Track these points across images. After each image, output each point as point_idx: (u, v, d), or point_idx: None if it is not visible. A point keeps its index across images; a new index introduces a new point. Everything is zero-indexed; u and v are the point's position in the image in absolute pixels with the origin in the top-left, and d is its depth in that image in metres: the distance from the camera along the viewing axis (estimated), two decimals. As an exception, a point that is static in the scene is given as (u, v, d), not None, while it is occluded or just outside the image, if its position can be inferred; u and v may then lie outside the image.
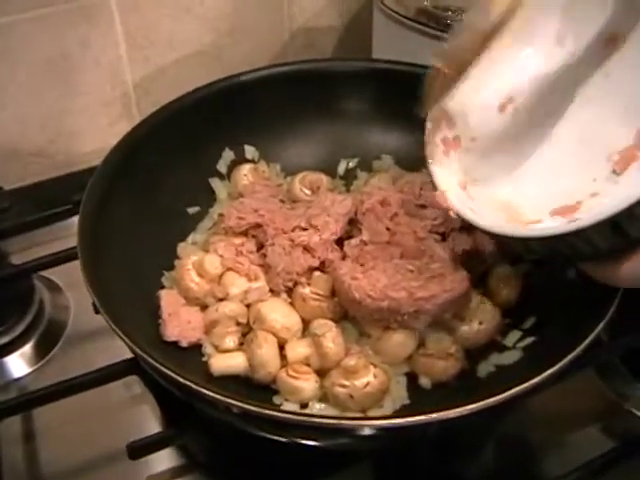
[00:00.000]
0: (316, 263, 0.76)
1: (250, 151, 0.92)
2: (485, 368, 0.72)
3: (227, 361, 0.71)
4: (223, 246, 0.78)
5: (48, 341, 0.87)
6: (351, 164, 0.93)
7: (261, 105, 0.92)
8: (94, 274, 0.68)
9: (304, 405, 0.69)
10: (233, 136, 0.91)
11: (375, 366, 0.69)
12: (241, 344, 0.73)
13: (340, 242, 0.78)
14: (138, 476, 0.74)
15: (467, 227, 0.79)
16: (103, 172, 0.79)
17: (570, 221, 0.56)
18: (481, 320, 0.73)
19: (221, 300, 0.75)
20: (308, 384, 0.68)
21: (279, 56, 1.17)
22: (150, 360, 0.62)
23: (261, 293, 0.74)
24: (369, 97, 0.95)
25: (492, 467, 0.75)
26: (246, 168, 0.89)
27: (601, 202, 0.60)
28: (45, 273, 0.92)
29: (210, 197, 0.89)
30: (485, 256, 0.77)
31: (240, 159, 0.91)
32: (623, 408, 0.80)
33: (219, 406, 0.59)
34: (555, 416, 0.79)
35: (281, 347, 0.71)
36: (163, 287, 0.78)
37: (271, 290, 0.76)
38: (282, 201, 0.85)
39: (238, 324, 0.73)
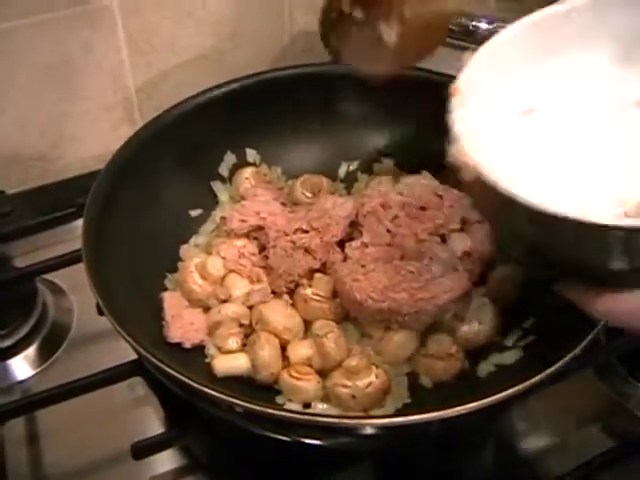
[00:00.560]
0: (317, 265, 0.77)
1: (252, 154, 0.93)
2: (485, 368, 0.72)
3: (230, 362, 0.71)
4: (225, 248, 0.78)
5: (52, 343, 0.88)
6: (352, 167, 0.94)
7: (262, 109, 0.93)
8: (98, 276, 0.69)
9: (306, 405, 0.69)
10: (235, 140, 0.92)
11: (377, 366, 0.70)
12: (244, 345, 0.73)
13: (341, 244, 0.79)
14: (141, 477, 0.75)
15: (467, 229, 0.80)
16: (107, 175, 0.79)
17: None
18: (481, 320, 0.74)
19: (224, 302, 0.76)
20: (310, 384, 0.69)
21: (280, 60, 1.17)
22: (154, 360, 0.62)
23: (263, 295, 0.75)
24: (369, 100, 0.95)
25: (493, 466, 0.76)
26: (248, 171, 0.90)
27: None
28: (48, 276, 0.92)
29: (212, 200, 0.90)
30: (485, 257, 0.78)
31: (242, 162, 0.92)
32: (622, 408, 0.80)
33: (222, 406, 0.60)
34: (555, 416, 0.79)
35: (283, 348, 0.72)
36: (166, 289, 0.79)
37: (273, 292, 0.77)
38: (284, 204, 0.85)
39: (241, 325, 0.74)
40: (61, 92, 1.02)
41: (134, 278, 0.76)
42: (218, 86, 0.91)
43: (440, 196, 0.81)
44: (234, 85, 0.91)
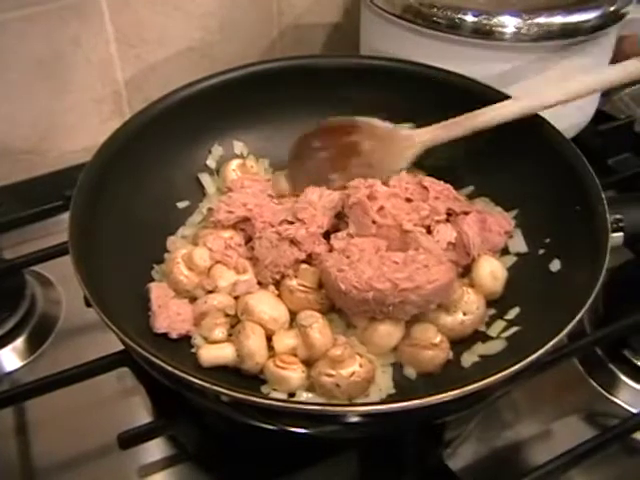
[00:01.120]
0: (303, 256, 0.77)
1: (239, 147, 0.93)
2: (469, 358, 0.73)
3: (216, 352, 0.72)
4: (212, 239, 0.78)
5: (40, 335, 0.88)
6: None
7: (250, 101, 0.93)
8: (85, 268, 0.69)
9: (291, 394, 0.70)
10: (222, 132, 0.92)
11: (361, 356, 0.70)
12: (230, 335, 0.74)
13: (327, 235, 0.79)
14: (129, 467, 0.75)
15: (452, 220, 0.81)
16: (93, 167, 0.79)
17: None
18: (465, 311, 0.75)
19: (210, 292, 0.76)
20: (295, 374, 0.69)
21: (269, 52, 1.17)
22: (140, 350, 0.63)
23: (249, 285, 0.76)
24: (358, 93, 0.95)
25: (477, 454, 0.76)
26: (235, 164, 0.90)
27: None
28: (37, 268, 0.93)
29: (199, 192, 0.90)
30: (470, 248, 0.78)
31: (229, 155, 0.92)
32: (605, 397, 0.81)
33: (208, 395, 0.60)
34: (539, 405, 0.80)
35: (269, 338, 0.72)
36: (153, 280, 0.79)
37: (259, 282, 0.77)
38: (270, 196, 0.85)
39: (227, 316, 0.74)
40: (50, 85, 1.02)
41: (121, 269, 0.76)
42: (205, 78, 0.91)
43: (425, 187, 0.81)
44: (222, 77, 0.92)
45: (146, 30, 1.05)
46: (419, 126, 0.87)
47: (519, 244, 0.82)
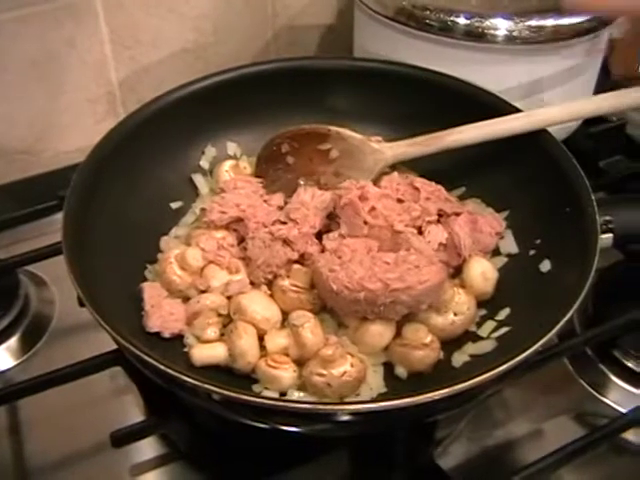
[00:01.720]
0: (295, 256, 0.77)
1: (232, 147, 0.94)
2: (460, 358, 0.74)
3: (208, 351, 0.72)
4: (205, 239, 0.79)
5: (33, 334, 0.88)
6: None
7: (244, 102, 0.93)
8: (78, 268, 0.70)
9: (283, 394, 0.70)
10: (216, 133, 0.93)
11: (352, 356, 0.70)
12: (222, 335, 0.74)
13: (319, 236, 0.80)
14: (122, 465, 0.76)
15: (443, 221, 0.81)
16: (87, 168, 0.80)
17: None
18: (456, 311, 0.75)
19: (203, 292, 0.76)
20: (287, 373, 0.70)
21: (263, 54, 1.18)
22: (133, 350, 0.63)
23: (242, 285, 0.76)
24: (351, 95, 0.96)
25: (468, 453, 0.77)
26: (228, 164, 0.90)
27: None
28: (30, 268, 0.93)
29: (193, 192, 0.90)
30: (461, 249, 0.79)
31: (222, 155, 0.93)
32: (595, 398, 0.82)
33: (200, 393, 0.61)
34: (529, 405, 0.81)
35: (261, 338, 0.73)
36: (146, 280, 0.79)
37: (251, 282, 0.77)
38: (263, 196, 0.86)
39: (219, 315, 0.74)
40: (45, 86, 1.03)
41: (114, 269, 0.76)
42: (199, 79, 0.91)
43: (417, 188, 0.82)
44: (215, 78, 0.92)
45: (140, 31, 1.06)
46: (409, 129, 0.88)
47: (510, 245, 0.82)
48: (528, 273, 0.78)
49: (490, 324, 0.76)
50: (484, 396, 0.71)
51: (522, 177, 0.85)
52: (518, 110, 0.86)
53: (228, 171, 0.90)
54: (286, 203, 0.84)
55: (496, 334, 0.74)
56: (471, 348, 0.74)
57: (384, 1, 0.96)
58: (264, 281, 0.77)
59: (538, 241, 0.80)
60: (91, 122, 1.09)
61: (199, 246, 0.78)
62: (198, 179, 0.91)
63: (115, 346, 0.70)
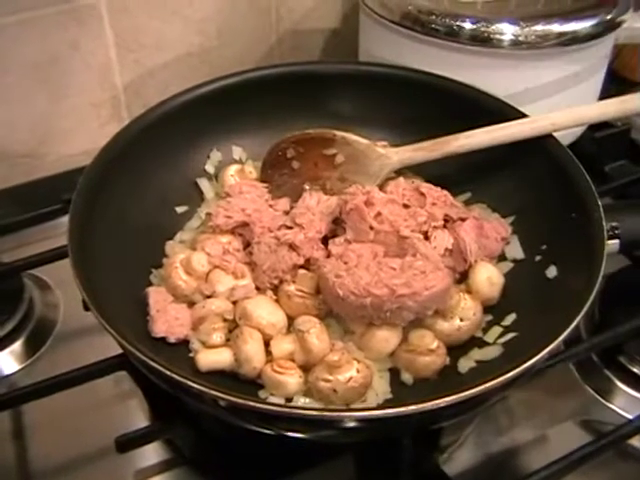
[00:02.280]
0: (301, 261, 0.77)
1: (237, 152, 0.93)
2: (466, 364, 0.73)
3: (213, 356, 0.72)
4: (210, 244, 0.79)
5: (38, 338, 0.88)
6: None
7: (249, 107, 0.93)
8: (84, 272, 0.69)
9: (289, 400, 0.70)
10: (221, 137, 0.93)
11: (358, 361, 0.70)
12: (227, 340, 0.74)
13: (325, 241, 0.80)
14: (126, 470, 0.75)
15: (449, 226, 0.81)
16: (92, 172, 0.79)
17: None
18: (462, 317, 0.75)
19: (208, 297, 0.76)
20: (292, 379, 0.69)
21: (267, 58, 1.18)
22: (138, 355, 0.63)
23: (247, 290, 0.76)
24: (356, 99, 0.96)
25: (473, 460, 0.76)
26: (233, 169, 0.90)
27: None
28: (35, 271, 0.93)
29: (198, 197, 0.90)
30: (467, 254, 0.79)
31: (228, 160, 0.93)
32: (600, 404, 0.81)
33: (206, 399, 0.61)
34: (535, 411, 0.81)
35: (266, 343, 0.73)
36: (151, 284, 0.79)
37: (257, 287, 0.77)
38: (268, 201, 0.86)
39: (225, 320, 0.74)
40: (49, 89, 1.03)
41: (120, 273, 0.76)
42: (204, 84, 0.91)
43: (423, 194, 0.82)
44: (220, 83, 0.92)
45: (145, 35, 1.06)
46: (415, 134, 0.88)
47: (516, 250, 0.82)
48: (534, 279, 0.78)
49: (496, 330, 0.76)
50: (490, 403, 0.71)
51: (528, 182, 0.85)
52: (524, 115, 0.86)
53: (233, 175, 0.90)
54: (292, 208, 0.83)
55: (502, 340, 0.74)
56: (477, 354, 0.74)
57: (390, 5, 0.96)
58: (270, 286, 0.77)
59: (544, 247, 0.80)
60: (95, 126, 1.09)
61: (204, 251, 0.78)
62: (203, 183, 0.91)
63: (120, 350, 0.70)
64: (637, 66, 1.21)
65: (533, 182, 0.84)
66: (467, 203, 0.88)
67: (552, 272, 0.77)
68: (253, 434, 0.64)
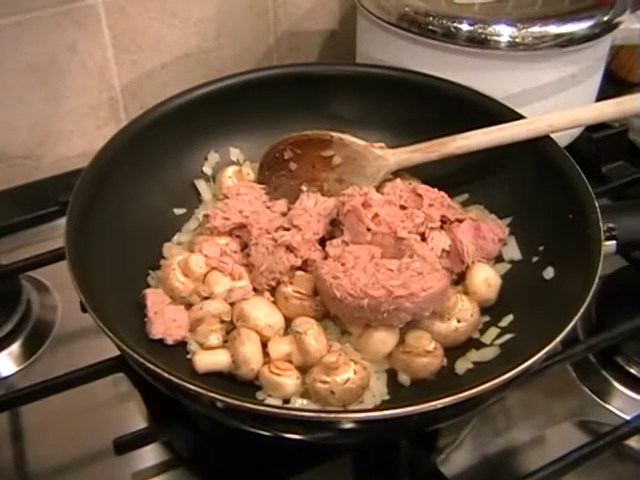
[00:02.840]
0: (298, 262, 0.77)
1: (235, 153, 0.94)
2: (463, 365, 0.73)
3: (211, 358, 0.72)
4: (208, 246, 0.79)
5: (36, 340, 0.88)
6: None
7: (246, 108, 0.93)
8: (81, 274, 0.69)
9: (286, 401, 0.70)
10: (218, 139, 0.93)
11: (356, 362, 0.70)
12: (225, 342, 0.74)
13: (323, 242, 0.80)
14: (124, 472, 0.75)
15: (447, 228, 0.81)
16: (90, 174, 0.80)
17: None
18: (459, 318, 0.75)
19: (206, 299, 0.76)
20: (290, 380, 0.69)
21: (265, 60, 1.18)
22: (136, 357, 0.63)
23: (245, 292, 0.76)
24: (353, 101, 0.96)
25: (470, 461, 0.76)
26: (231, 170, 0.90)
27: None
28: (33, 273, 0.93)
29: (195, 199, 0.90)
30: (464, 256, 0.79)
31: (225, 161, 0.93)
32: (598, 404, 0.81)
33: (203, 401, 0.61)
34: (532, 411, 0.81)
35: (264, 344, 0.73)
36: (149, 286, 0.79)
37: (254, 289, 0.77)
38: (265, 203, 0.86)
39: (222, 322, 0.75)
40: (46, 91, 1.03)
41: (117, 275, 0.76)
42: (202, 85, 0.92)
43: (420, 195, 0.82)
44: (218, 84, 0.92)
45: (143, 36, 1.06)
46: (412, 135, 0.88)
47: (513, 252, 0.82)
48: (531, 280, 0.78)
49: (493, 331, 0.76)
50: (487, 404, 0.71)
51: (525, 184, 0.85)
52: (521, 117, 0.86)
53: (231, 177, 0.90)
54: (289, 209, 0.84)
55: (499, 341, 0.74)
56: (474, 355, 0.74)
57: (387, 7, 0.96)
58: (267, 288, 0.77)
59: (541, 248, 0.80)
60: (93, 127, 1.09)
61: (202, 252, 0.78)
62: (201, 185, 0.91)
63: (118, 352, 0.70)
64: (634, 67, 1.21)
65: (530, 183, 0.85)
66: (464, 204, 0.88)
67: (549, 273, 0.77)
68: (251, 436, 0.64)
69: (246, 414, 0.60)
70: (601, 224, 0.73)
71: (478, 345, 0.75)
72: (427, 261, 0.75)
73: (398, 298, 0.69)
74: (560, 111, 0.85)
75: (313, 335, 0.71)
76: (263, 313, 0.74)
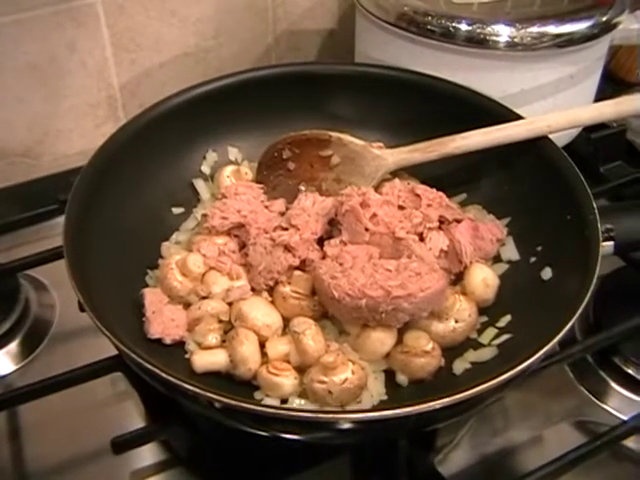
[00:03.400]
0: (296, 262, 0.77)
1: (233, 152, 0.94)
2: (461, 365, 0.73)
3: (209, 358, 0.72)
4: (206, 245, 0.79)
5: (34, 339, 0.88)
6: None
7: (245, 107, 0.93)
8: (79, 273, 0.69)
9: (284, 401, 0.70)
10: (217, 138, 0.93)
11: (353, 363, 0.70)
12: (223, 341, 0.74)
13: (321, 242, 0.80)
14: (122, 471, 0.75)
15: (445, 228, 0.81)
16: (88, 173, 0.80)
17: None
18: (457, 318, 0.75)
19: (204, 298, 0.76)
20: (288, 380, 0.70)
21: (263, 59, 1.18)
22: (134, 357, 0.63)
23: (243, 292, 0.76)
24: (352, 100, 0.96)
25: (468, 461, 0.77)
26: (229, 170, 0.90)
27: None
28: (31, 272, 0.93)
29: (194, 198, 0.90)
30: (462, 256, 0.79)
31: (223, 161, 0.93)
32: (595, 405, 0.82)
33: (201, 401, 0.61)
34: (529, 412, 0.81)
35: (262, 344, 0.73)
36: (147, 286, 0.79)
37: (252, 289, 0.77)
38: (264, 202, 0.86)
39: (220, 322, 0.75)
40: (45, 90, 1.03)
41: (115, 274, 0.76)
42: (200, 84, 0.92)
43: (418, 195, 0.82)
44: (216, 83, 0.92)
45: (141, 35, 1.06)
46: (411, 135, 0.88)
47: (511, 252, 0.82)
48: (529, 280, 0.78)
49: (491, 331, 0.76)
50: (485, 404, 0.71)
51: (523, 184, 0.85)
52: (519, 117, 0.86)
53: (229, 176, 0.90)
54: (287, 209, 0.84)
55: (497, 341, 0.75)
56: (472, 355, 0.74)
57: (385, 7, 0.96)
58: (265, 287, 0.77)
59: (539, 248, 0.80)
60: (91, 126, 1.09)
61: (200, 252, 0.78)
62: (199, 184, 0.91)
63: (116, 351, 0.70)
64: (633, 67, 1.21)
65: (528, 184, 0.85)
66: (462, 204, 0.88)
67: (547, 274, 0.77)
68: (249, 435, 0.64)
69: (244, 414, 0.60)
70: (599, 225, 0.73)
71: (476, 345, 0.75)
72: (425, 261, 0.75)
73: (396, 298, 0.69)
74: (559, 111, 0.85)
75: (311, 335, 0.71)
76: (261, 313, 0.74)
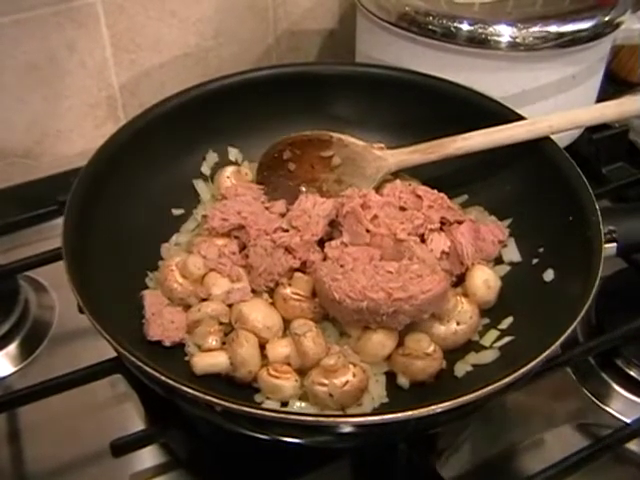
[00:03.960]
0: (297, 264, 0.77)
1: (233, 153, 0.93)
2: (462, 368, 0.73)
3: (209, 360, 0.72)
4: (206, 247, 0.79)
5: (33, 341, 0.88)
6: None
7: (245, 107, 0.93)
8: (78, 275, 0.69)
9: (285, 404, 0.70)
10: (217, 138, 0.92)
11: (354, 365, 0.70)
12: (223, 344, 0.73)
13: (321, 244, 0.79)
14: (122, 474, 0.75)
15: (446, 229, 0.81)
16: (88, 173, 0.79)
17: None
18: (459, 321, 0.75)
19: (204, 300, 0.76)
20: (288, 383, 0.69)
21: (264, 59, 1.18)
22: (133, 359, 0.62)
23: (243, 293, 0.76)
24: (353, 100, 0.96)
25: (470, 465, 0.76)
26: (229, 170, 0.90)
27: None
28: (30, 273, 0.92)
29: (194, 199, 0.90)
30: (463, 258, 0.78)
31: (224, 161, 0.92)
32: (598, 407, 0.81)
33: (201, 404, 0.60)
34: (531, 414, 0.81)
35: (262, 346, 0.72)
36: (147, 287, 0.79)
37: (253, 290, 0.77)
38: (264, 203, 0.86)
39: (220, 324, 0.74)
40: (45, 90, 1.02)
41: (115, 276, 0.76)
42: (200, 85, 0.91)
43: (419, 196, 0.82)
44: (217, 84, 0.92)
45: (141, 35, 1.05)
46: (412, 136, 0.88)
47: (513, 253, 0.82)
48: (531, 282, 0.78)
49: (493, 333, 0.76)
50: (486, 407, 0.70)
51: (525, 185, 0.85)
52: (521, 117, 0.85)
53: (229, 177, 0.89)
54: (288, 210, 0.83)
55: (499, 344, 0.74)
56: (474, 358, 0.74)
57: (386, 7, 0.96)
58: (265, 289, 0.77)
59: (541, 250, 0.80)
60: (91, 126, 1.08)
61: (200, 254, 0.78)
62: (199, 185, 0.90)
63: (115, 353, 0.70)
64: (635, 67, 1.21)
65: (530, 185, 0.84)
66: (464, 206, 0.88)
67: (549, 275, 0.77)
68: (249, 438, 0.64)
69: (244, 417, 0.60)
70: (601, 227, 0.73)
71: (477, 348, 0.75)
72: (426, 263, 0.75)
73: (397, 300, 0.69)
74: (560, 112, 0.85)
75: (312, 337, 0.71)
76: (261, 315, 0.73)
